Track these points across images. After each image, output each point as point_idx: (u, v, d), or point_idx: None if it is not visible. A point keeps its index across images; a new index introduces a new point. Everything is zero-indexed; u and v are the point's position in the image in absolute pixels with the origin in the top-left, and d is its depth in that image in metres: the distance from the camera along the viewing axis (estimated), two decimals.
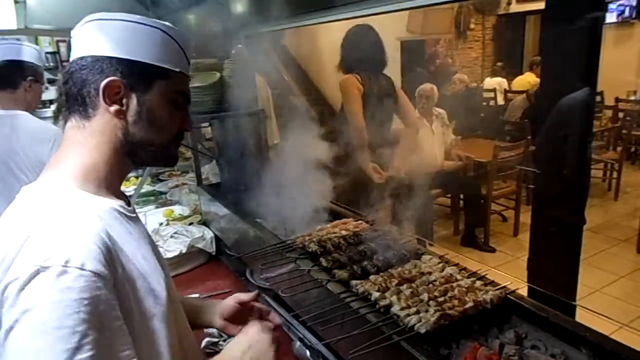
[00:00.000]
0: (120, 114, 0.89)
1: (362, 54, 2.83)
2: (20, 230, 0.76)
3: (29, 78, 2.19)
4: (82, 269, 0.71)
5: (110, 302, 0.74)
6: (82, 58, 0.88)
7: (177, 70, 0.93)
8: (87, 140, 0.89)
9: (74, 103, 0.89)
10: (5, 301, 0.71)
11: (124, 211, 0.90)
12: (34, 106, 2.28)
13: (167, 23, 0.93)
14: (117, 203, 0.89)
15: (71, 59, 0.91)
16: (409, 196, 1.56)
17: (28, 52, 2.22)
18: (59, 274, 0.70)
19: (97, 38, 0.88)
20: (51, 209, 0.80)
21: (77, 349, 0.68)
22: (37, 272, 0.70)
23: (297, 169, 1.71)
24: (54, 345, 0.67)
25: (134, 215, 0.95)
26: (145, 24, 0.89)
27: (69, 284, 0.70)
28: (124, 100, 0.88)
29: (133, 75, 0.88)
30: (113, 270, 0.77)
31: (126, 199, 0.97)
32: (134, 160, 0.94)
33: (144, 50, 0.89)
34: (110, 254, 0.78)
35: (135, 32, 0.88)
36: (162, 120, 0.92)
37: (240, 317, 1.22)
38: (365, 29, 2.83)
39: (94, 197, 0.86)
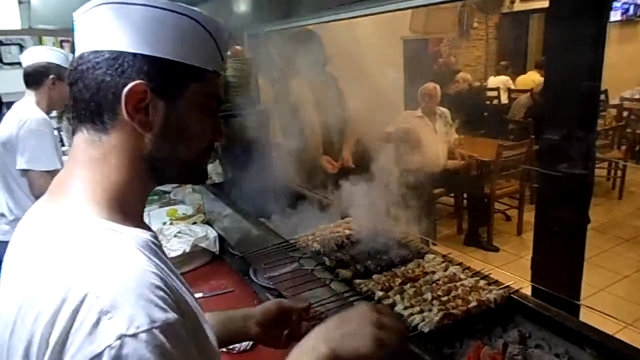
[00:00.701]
0: (145, 126, 0.71)
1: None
2: (60, 283, 0.60)
3: (52, 77, 2.47)
4: (168, 324, 0.59)
5: (193, 350, 0.64)
6: (96, 52, 0.70)
7: (211, 70, 0.76)
8: (105, 158, 0.72)
9: (85, 111, 0.72)
10: None
11: (157, 242, 0.74)
12: (60, 104, 2.62)
13: (197, 9, 0.74)
14: (149, 234, 0.73)
15: (79, 52, 0.72)
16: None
17: (54, 56, 2.53)
18: (149, 338, 0.57)
19: (114, 27, 0.70)
20: (95, 253, 0.63)
21: None
22: (123, 345, 0.55)
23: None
24: None
25: (160, 244, 0.77)
26: (173, 11, 0.71)
27: (163, 346, 0.57)
28: (150, 109, 0.71)
29: (161, 77, 0.71)
30: (181, 312, 0.64)
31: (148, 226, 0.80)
32: (157, 179, 0.78)
33: (174, 45, 0.71)
34: (176, 295, 0.66)
35: (162, 22, 0.71)
36: (195, 132, 0.76)
37: (277, 327, 1.09)
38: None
39: (126, 228, 0.69)
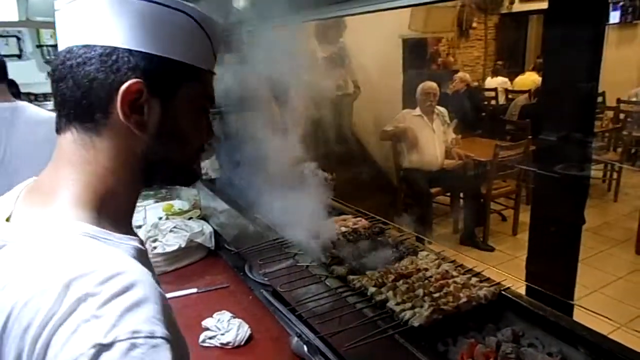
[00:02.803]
0: (140, 127, 0.68)
1: None
2: (49, 294, 0.56)
3: None
4: (153, 337, 0.55)
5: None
6: (87, 47, 0.66)
7: (206, 69, 0.74)
8: (96, 159, 0.68)
9: (75, 109, 0.67)
10: None
11: (144, 248, 0.71)
12: None
13: (193, 5, 0.71)
14: (137, 240, 0.70)
15: (66, 46, 0.67)
16: None
17: None
18: (127, 350, 0.53)
19: (108, 21, 0.66)
20: (84, 261, 0.60)
21: None
22: (98, 354, 0.52)
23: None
24: None
25: (146, 249, 0.74)
26: (170, 7, 0.68)
27: (142, 359, 0.54)
28: (145, 109, 0.67)
29: (158, 76, 0.68)
30: (171, 329, 0.60)
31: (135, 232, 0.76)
32: (148, 181, 0.75)
33: (171, 43, 0.68)
34: (167, 309, 0.62)
35: (159, 18, 0.67)
36: (189, 132, 0.74)
37: None
38: None
39: (117, 236, 0.66)
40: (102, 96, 0.66)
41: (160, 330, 0.57)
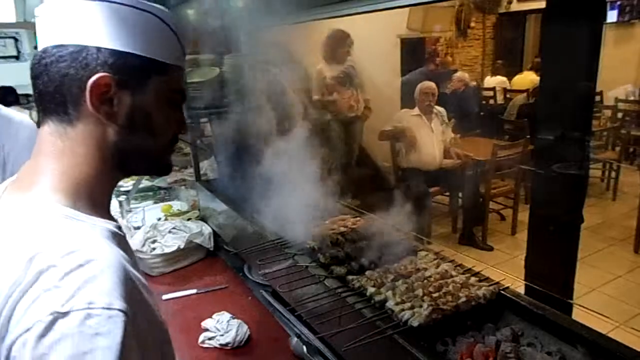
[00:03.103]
0: (111, 118, 0.74)
1: None
2: (15, 267, 0.61)
3: None
4: (109, 309, 0.59)
5: (135, 347, 0.62)
6: (60, 47, 0.72)
7: (175, 64, 0.80)
8: (71, 148, 0.74)
9: (50, 103, 0.74)
10: None
11: (121, 233, 0.77)
12: None
13: (159, 6, 0.78)
14: (113, 224, 0.75)
15: (43, 46, 0.74)
16: None
17: None
18: (82, 319, 0.57)
19: (78, 22, 0.72)
20: (52, 237, 0.65)
21: None
22: (55, 321, 0.56)
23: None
24: None
25: (124, 235, 0.79)
26: (137, 8, 0.74)
27: (97, 329, 0.57)
28: (115, 101, 0.73)
29: (126, 70, 0.73)
30: (132, 304, 0.63)
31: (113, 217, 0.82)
32: (123, 170, 0.81)
33: (139, 40, 0.74)
34: (130, 285, 0.65)
35: (125, 17, 0.73)
36: (159, 124, 0.79)
37: None
38: None
39: (92, 218, 0.72)
40: (73, 90, 0.72)
41: (118, 303, 0.60)
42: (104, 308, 0.59)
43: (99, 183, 0.76)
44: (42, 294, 0.59)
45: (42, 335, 0.56)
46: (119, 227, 0.77)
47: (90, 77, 0.71)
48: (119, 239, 0.74)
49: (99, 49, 0.72)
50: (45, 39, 0.74)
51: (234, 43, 2.35)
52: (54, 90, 0.73)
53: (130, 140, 0.77)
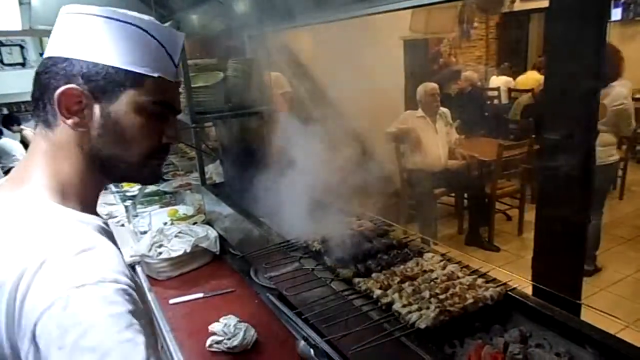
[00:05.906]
0: (81, 126, 0.78)
1: None
2: (15, 258, 0.67)
3: None
4: (117, 282, 0.67)
5: (139, 316, 0.68)
6: (48, 58, 0.78)
7: (156, 75, 0.80)
8: (54, 151, 0.80)
9: (37, 109, 0.80)
10: (41, 339, 0.63)
11: (108, 229, 0.82)
12: None
13: (147, 17, 0.80)
14: (101, 220, 0.81)
15: (43, 57, 0.82)
16: None
17: None
18: (97, 291, 0.65)
19: (64, 35, 0.78)
20: (47, 229, 0.72)
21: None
22: (73, 294, 0.64)
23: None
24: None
25: (112, 232, 0.85)
26: (116, 19, 0.76)
27: (110, 298, 0.65)
28: (85, 112, 0.77)
29: (96, 81, 0.76)
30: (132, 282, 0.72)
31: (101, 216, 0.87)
32: (108, 175, 0.86)
33: (112, 51, 0.76)
34: (130, 273, 0.73)
35: (104, 29, 0.76)
36: (134, 135, 0.80)
37: None
38: None
39: (81, 214, 0.78)
40: (50, 99, 0.77)
41: (123, 280, 0.68)
42: (112, 281, 0.67)
43: (84, 184, 0.81)
44: (53, 276, 0.65)
45: (65, 306, 0.63)
46: (106, 224, 0.83)
47: (58, 87, 0.76)
48: (108, 234, 0.80)
49: (74, 61, 0.76)
50: (47, 50, 0.81)
51: (238, 47, 2.36)
52: (39, 97, 0.79)
53: (106, 149, 0.80)
